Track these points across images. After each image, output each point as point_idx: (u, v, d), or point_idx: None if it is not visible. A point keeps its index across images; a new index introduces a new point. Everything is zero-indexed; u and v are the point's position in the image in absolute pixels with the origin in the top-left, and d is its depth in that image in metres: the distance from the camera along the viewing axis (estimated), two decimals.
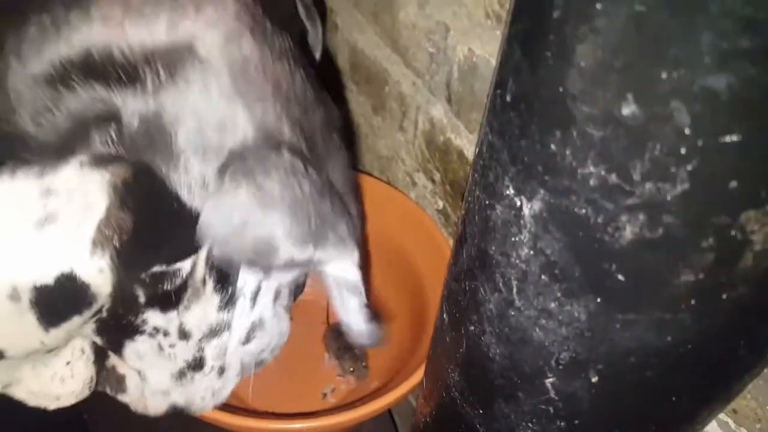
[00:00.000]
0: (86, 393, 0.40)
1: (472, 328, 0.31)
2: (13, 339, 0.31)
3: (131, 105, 0.26)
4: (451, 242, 0.67)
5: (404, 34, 0.65)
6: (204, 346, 0.41)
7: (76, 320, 0.31)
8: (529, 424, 0.31)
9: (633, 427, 0.29)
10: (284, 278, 0.46)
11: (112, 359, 0.40)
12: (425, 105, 0.66)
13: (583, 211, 0.22)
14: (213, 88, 0.27)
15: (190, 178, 0.28)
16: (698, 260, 0.20)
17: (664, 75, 0.17)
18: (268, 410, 0.65)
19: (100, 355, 0.39)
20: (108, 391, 0.42)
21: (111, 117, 0.26)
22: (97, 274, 0.29)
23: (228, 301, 0.38)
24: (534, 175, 0.23)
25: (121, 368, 0.40)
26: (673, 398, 0.26)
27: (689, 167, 0.18)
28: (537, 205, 0.24)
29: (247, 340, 0.44)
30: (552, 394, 0.28)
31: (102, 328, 0.35)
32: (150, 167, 0.27)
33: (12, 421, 0.41)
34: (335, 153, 0.36)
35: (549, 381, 0.28)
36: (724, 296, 0.21)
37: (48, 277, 0.28)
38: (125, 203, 0.27)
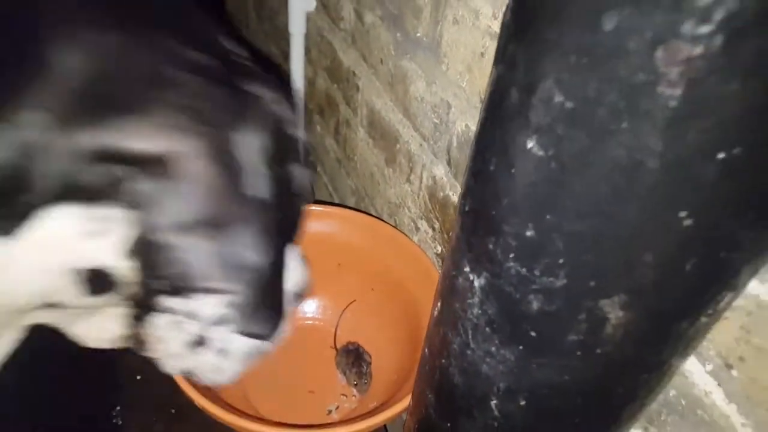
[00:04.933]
0: (117, 344, 0.56)
1: (443, 361, 0.43)
2: (68, 298, 0.45)
3: (129, 183, 0.40)
4: None
5: (414, 105, 0.78)
6: (209, 329, 0.55)
7: (105, 297, 0.47)
8: None
9: None
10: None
11: (144, 327, 0.55)
12: (429, 164, 0.78)
13: (507, 289, 0.34)
14: (177, 185, 0.40)
15: (156, 227, 0.42)
16: (578, 327, 0.32)
17: (548, 216, 0.30)
18: (278, 421, 0.77)
19: (135, 323, 0.54)
20: (136, 348, 0.57)
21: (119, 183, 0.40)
22: (126, 269, 0.44)
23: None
24: (480, 261, 0.35)
25: (149, 335, 0.55)
26: (576, 420, 0.38)
27: (565, 270, 0.31)
28: (483, 281, 0.36)
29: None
30: (496, 413, 0.40)
31: (133, 304, 0.50)
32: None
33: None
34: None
35: (493, 403, 0.40)
36: (598, 351, 0.33)
37: (90, 266, 0.43)
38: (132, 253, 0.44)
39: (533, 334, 0.34)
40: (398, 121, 0.83)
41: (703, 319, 0.32)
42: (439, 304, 0.43)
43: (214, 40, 0.50)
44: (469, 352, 0.39)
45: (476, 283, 0.36)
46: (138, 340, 0.56)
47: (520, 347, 0.36)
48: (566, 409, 0.37)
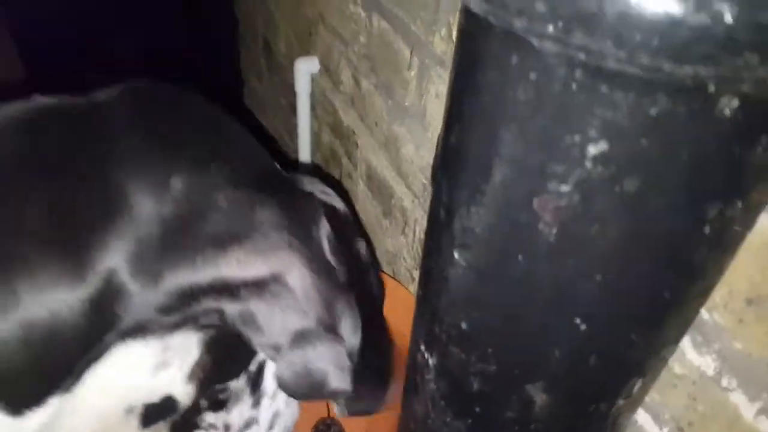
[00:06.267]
0: None
1: (412, 426, 0.48)
2: None
3: (231, 307, 0.42)
4: None
5: (405, 165, 0.84)
6: None
7: (162, 423, 0.49)
8: None
9: None
10: None
11: None
12: (421, 219, 0.84)
13: (453, 370, 0.39)
14: (289, 298, 0.42)
15: (267, 343, 0.44)
16: (512, 406, 0.38)
17: (474, 314, 0.35)
18: None
19: None
20: None
21: (216, 311, 0.42)
22: (186, 395, 0.47)
23: (256, 402, 0.57)
24: (431, 344, 0.41)
25: None
26: None
27: (495, 358, 0.36)
28: (435, 360, 0.42)
29: (271, 427, 0.62)
30: None
31: (174, 426, 0.52)
32: (236, 331, 0.43)
33: None
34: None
35: None
36: (532, 427, 0.38)
37: (156, 398, 0.46)
38: (210, 351, 0.45)
39: (478, 409, 0.40)
40: (392, 178, 0.90)
41: (621, 401, 0.37)
42: (408, 376, 0.49)
43: (257, 152, 0.51)
44: (429, 421, 0.45)
45: (430, 362, 0.42)
46: None
47: (469, 420, 0.41)
48: None
